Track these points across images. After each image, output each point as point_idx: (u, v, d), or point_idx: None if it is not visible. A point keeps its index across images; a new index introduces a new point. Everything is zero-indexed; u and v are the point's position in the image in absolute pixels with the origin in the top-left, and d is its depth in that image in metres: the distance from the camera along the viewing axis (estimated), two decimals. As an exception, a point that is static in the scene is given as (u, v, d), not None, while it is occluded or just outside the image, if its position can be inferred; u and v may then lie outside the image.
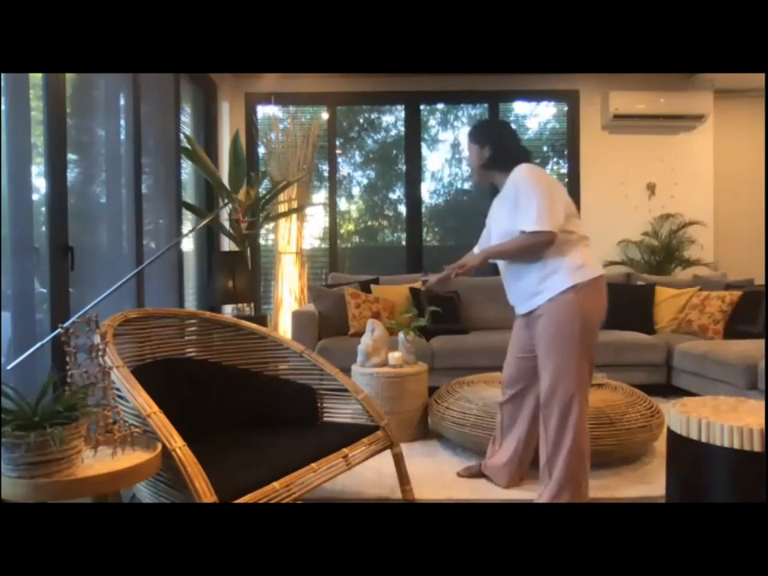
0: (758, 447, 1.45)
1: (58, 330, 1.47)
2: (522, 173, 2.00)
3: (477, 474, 2.37)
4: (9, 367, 1.85)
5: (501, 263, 2.16)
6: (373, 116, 5.42)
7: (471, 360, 3.57)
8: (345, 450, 1.89)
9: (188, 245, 4.31)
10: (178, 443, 1.46)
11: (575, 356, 1.93)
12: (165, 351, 2.09)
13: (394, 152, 5.36)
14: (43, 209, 2.31)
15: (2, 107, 2.04)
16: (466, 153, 5.26)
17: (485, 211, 2.29)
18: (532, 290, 2.01)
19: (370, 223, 5.48)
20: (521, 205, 1.95)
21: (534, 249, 1.96)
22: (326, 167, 5.17)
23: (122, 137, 2.99)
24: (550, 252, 1.96)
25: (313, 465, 1.75)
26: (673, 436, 1.67)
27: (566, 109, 5.15)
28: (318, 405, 2.26)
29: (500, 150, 2.09)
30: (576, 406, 1.93)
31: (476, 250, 2.35)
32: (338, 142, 5.23)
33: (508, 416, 2.25)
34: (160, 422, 1.50)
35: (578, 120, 5.07)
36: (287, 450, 1.84)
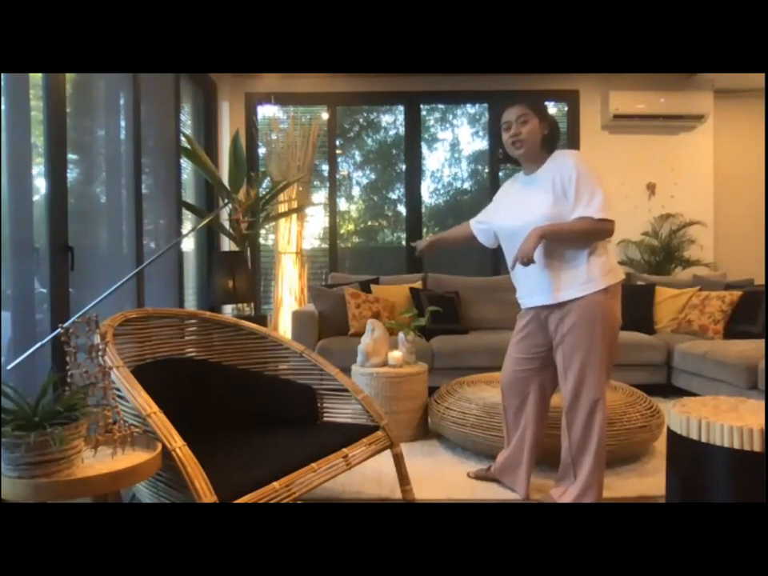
0: (758, 447, 1.45)
1: (58, 330, 1.47)
2: (578, 159, 1.96)
3: (488, 477, 2.35)
4: (9, 367, 1.85)
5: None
6: (372, 116, 5.42)
7: (471, 360, 3.56)
8: (345, 450, 1.89)
9: (188, 245, 4.32)
10: (177, 443, 1.46)
11: (600, 358, 1.93)
12: (165, 351, 2.09)
13: (394, 152, 5.36)
14: (43, 209, 2.31)
15: (2, 107, 2.04)
16: (467, 151, 5.30)
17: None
18: (560, 283, 1.96)
19: (369, 223, 5.48)
20: (582, 191, 1.90)
21: (596, 236, 1.93)
22: (326, 167, 5.18)
23: (122, 137, 2.99)
24: (588, 248, 1.94)
25: (313, 465, 1.75)
26: (673, 436, 1.67)
27: (566, 109, 5.15)
28: (318, 405, 2.26)
29: (555, 131, 2.06)
30: (600, 408, 1.95)
31: (473, 223, 2.33)
32: (337, 142, 5.24)
33: (513, 419, 2.22)
34: (160, 422, 1.50)
35: (578, 120, 5.06)
36: (287, 449, 1.84)
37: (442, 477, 2.40)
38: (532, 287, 2.06)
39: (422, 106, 5.24)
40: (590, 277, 1.93)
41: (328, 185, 5.17)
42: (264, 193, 4.52)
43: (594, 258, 1.94)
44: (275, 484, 1.59)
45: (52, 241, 2.31)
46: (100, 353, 1.51)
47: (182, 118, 3.97)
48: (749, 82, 4.83)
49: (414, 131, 5.21)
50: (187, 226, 4.08)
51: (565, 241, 1.95)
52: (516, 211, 2.08)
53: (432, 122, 5.44)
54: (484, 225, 2.29)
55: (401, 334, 3.01)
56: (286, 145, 4.73)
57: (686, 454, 1.61)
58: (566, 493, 2.02)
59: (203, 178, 4.44)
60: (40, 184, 2.30)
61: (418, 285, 4.24)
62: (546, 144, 2.05)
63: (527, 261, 1.89)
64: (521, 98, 2.06)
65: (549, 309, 2.01)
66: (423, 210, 5.27)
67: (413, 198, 5.23)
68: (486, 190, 5.24)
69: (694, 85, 4.90)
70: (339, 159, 5.27)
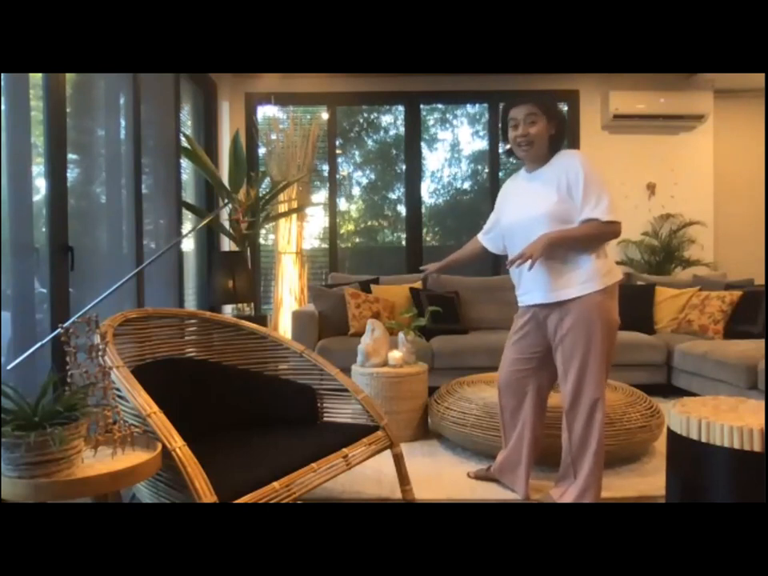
0: (757, 447, 1.45)
1: (58, 330, 1.47)
2: (585, 160, 1.95)
3: (488, 477, 2.35)
4: (9, 367, 1.85)
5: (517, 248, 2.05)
6: (372, 116, 5.42)
7: (471, 360, 3.56)
8: (345, 450, 1.88)
9: (188, 245, 4.32)
10: (178, 443, 1.46)
11: (599, 359, 1.94)
12: (165, 351, 2.09)
13: (394, 152, 5.36)
14: (43, 209, 2.31)
15: (2, 107, 2.04)
16: (467, 151, 5.30)
17: (485, 211, 2.30)
18: (560, 281, 1.96)
19: (369, 223, 5.48)
20: (589, 192, 1.90)
21: (604, 238, 1.95)
22: (326, 167, 5.18)
23: (122, 137, 2.99)
24: (590, 248, 1.95)
25: (313, 465, 1.75)
26: (673, 436, 1.67)
27: (566, 109, 5.15)
28: (318, 405, 2.26)
29: (562, 130, 2.05)
30: (600, 408, 1.95)
31: (480, 236, 2.34)
32: (337, 143, 5.23)
33: (510, 419, 2.22)
34: (160, 421, 1.50)
35: (578, 120, 5.07)
36: (287, 449, 1.84)
37: (441, 477, 2.39)
38: (531, 285, 2.05)
39: (422, 106, 5.24)
40: (589, 276, 1.93)
41: (328, 185, 5.17)
42: (264, 193, 4.52)
43: (593, 258, 1.95)
44: (275, 484, 1.59)
45: (52, 241, 2.31)
46: (100, 353, 1.51)
47: (182, 117, 3.97)
48: (749, 82, 4.83)
49: (414, 131, 5.21)
50: (187, 226, 4.08)
51: (576, 245, 1.96)
52: (518, 206, 2.08)
53: (432, 122, 5.44)
54: (491, 233, 2.29)
55: (401, 334, 3.01)
56: (285, 145, 4.73)
57: (686, 454, 1.61)
58: (566, 493, 2.02)
59: (203, 177, 4.44)
60: (40, 184, 2.30)
61: (418, 285, 4.24)
62: (552, 143, 2.04)
63: (530, 262, 1.89)
64: (532, 96, 2.04)
65: (547, 308, 2.01)
66: (423, 210, 5.27)
67: (413, 198, 5.23)
68: (485, 189, 5.24)
69: (694, 85, 4.90)
70: (339, 159, 5.27)
